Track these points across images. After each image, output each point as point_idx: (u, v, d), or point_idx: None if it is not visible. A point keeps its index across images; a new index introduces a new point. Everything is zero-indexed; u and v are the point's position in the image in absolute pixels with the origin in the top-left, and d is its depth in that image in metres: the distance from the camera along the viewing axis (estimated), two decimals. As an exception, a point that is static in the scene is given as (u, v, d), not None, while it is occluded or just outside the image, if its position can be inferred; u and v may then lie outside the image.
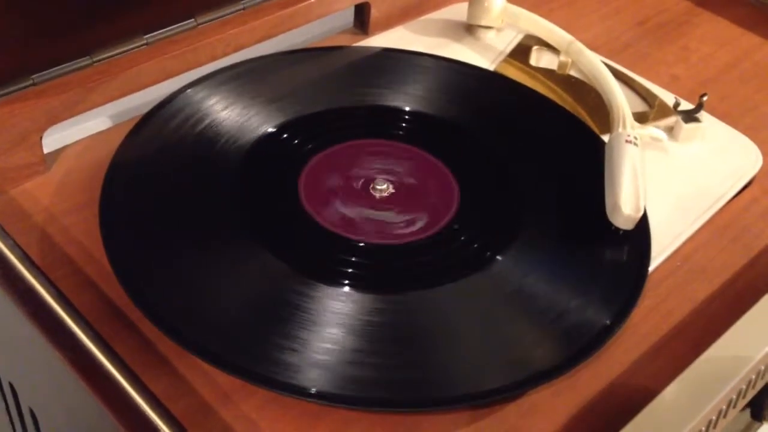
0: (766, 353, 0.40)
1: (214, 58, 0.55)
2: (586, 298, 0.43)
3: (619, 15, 0.68)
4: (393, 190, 0.49)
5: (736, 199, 0.51)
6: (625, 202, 0.46)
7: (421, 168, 0.50)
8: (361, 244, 0.45)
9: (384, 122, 0.53)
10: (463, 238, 0.46)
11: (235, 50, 0.56)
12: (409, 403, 0.39)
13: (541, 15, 0.62)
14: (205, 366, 0.39)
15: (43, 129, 0.48)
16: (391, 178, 0.49)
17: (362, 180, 0.49)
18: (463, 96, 0.56)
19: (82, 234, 0.46)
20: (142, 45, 0.52)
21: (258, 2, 0.57)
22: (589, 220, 0.48)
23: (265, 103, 0.53)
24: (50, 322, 0.39)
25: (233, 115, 0.52)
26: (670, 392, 0.38)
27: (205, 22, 0.55)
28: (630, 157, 0.49)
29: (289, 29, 0.58)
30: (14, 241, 0.43)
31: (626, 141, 0.50)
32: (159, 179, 0.48)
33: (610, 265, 0.45)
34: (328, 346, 0.40)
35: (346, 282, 0.43)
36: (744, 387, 0.40)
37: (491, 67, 0.59)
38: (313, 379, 0.38)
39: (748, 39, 0.66)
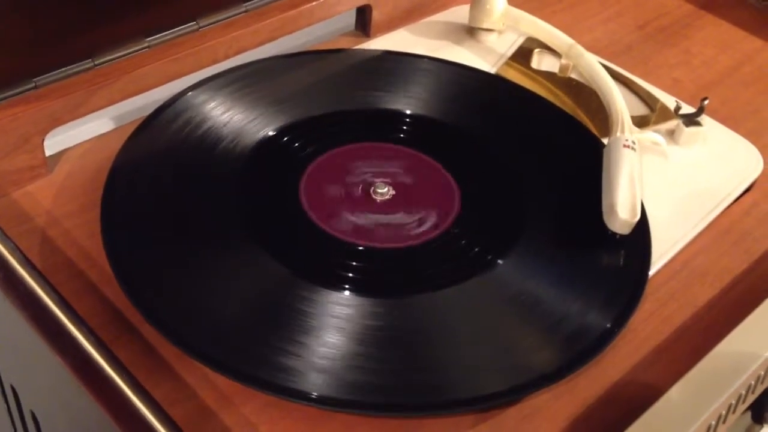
0: (766, 358, 0.40)
1: (215, 61, 0.55)
2: (587, 301, 0.43)
3: (621, 18, 0.68)
4: (394, 194, 0.49)
5: (737, 203, 0.51)
6: (622, 207, 0.46)
7: (422, 171, 0.50)
8: (362, 248, 0.45)
9: (385, 125, 0.53)
10: (464, 241, 0.46)
11: (237, 53, 0.56)
12: (411, 407, 0.39)
13: (543, 18, 0.62)
14: (206, 369, 0.39)
15: (45, 132, 0.49)
16: (392, 182, 0.49)
17: (363, 183, 0.49)
18: (465, 99, 0.56)
19: (84, 237, 0.46)
20: (144, 48, 0.53)
21: (260, 5, 0.57)
22: (590, 223, 0.47)
23: (267, 105, 0.53)
24: (51, 327, 0.39)
25: (235, 118, 0.52)
26: (670, 396, 0.38)
27: (207, 25, 0.55)
28: (627, 162, 0.49)
29: (291, 32, 0.58)
30: (15, 245, 0.43)
31: (624, 146, 0.50)
32: (160, 182, 0.48)
33: (611, 268, 0.45)
34: (329, 350, 0.40)
35: (347, 286, 0.43)
36: (744, 392, 0.40)
37: (492, 70, 0.59)
38: (314, 383, 0.38)
39: (750, 42, 0.66)
